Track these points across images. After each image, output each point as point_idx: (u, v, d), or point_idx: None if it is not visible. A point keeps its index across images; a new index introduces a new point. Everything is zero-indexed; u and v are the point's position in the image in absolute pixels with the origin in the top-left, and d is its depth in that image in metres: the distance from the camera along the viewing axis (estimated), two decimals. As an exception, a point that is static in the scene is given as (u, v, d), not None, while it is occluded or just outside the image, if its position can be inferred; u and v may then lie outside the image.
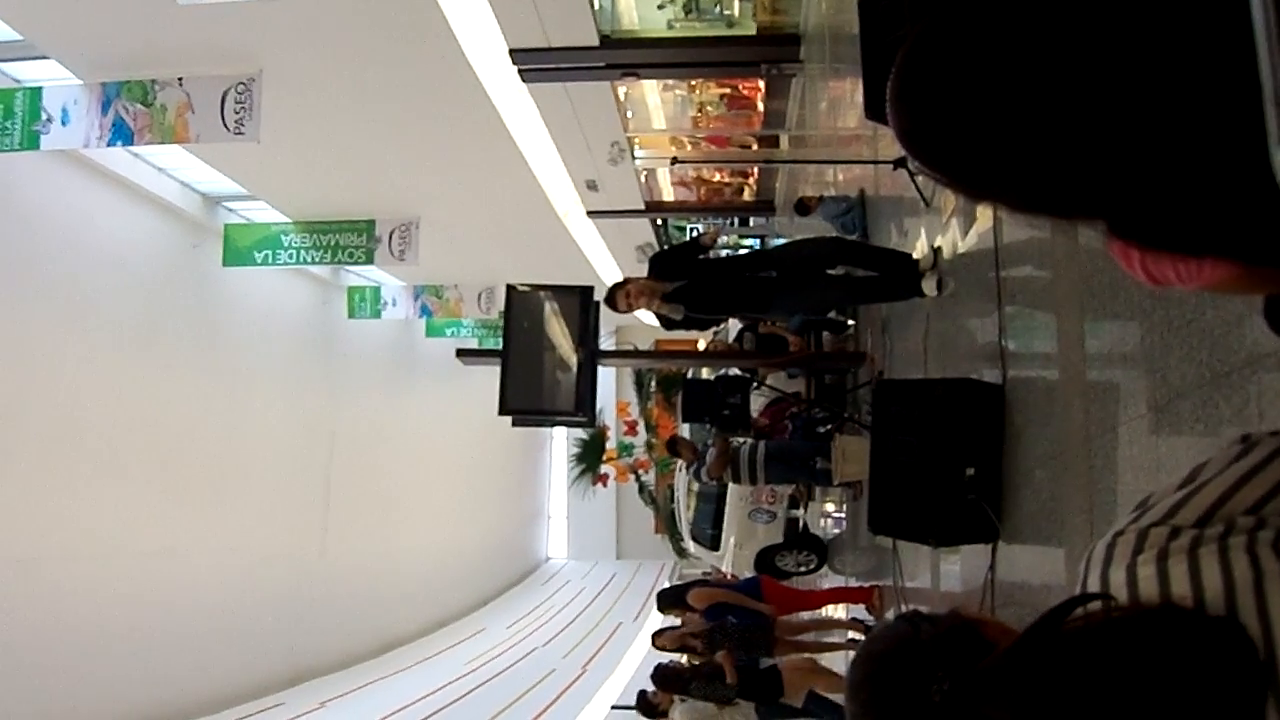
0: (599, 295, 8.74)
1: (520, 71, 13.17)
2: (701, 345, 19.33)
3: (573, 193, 18.24)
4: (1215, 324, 2.70)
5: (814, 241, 8.40)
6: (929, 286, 6.26)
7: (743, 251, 21.34)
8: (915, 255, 6.66)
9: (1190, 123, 0.83)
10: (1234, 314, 2.57)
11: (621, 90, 15.61)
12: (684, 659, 9.32)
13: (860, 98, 5.82)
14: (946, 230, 5.99)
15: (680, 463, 13.39)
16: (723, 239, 25.64)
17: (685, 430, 18.44)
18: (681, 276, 6.85)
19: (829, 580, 11.84)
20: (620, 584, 30.69)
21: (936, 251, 6.35)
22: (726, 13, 15.17)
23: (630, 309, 6.99)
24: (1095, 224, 0.96)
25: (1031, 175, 0.91)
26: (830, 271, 7.10)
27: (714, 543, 14.11)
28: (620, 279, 7.29)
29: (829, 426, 10.12)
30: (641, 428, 27.41)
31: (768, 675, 8.50)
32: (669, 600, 9.66)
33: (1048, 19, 0.86)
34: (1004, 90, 0.87)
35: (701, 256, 7.28)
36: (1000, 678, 1.00)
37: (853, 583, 9.57)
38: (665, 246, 22.39)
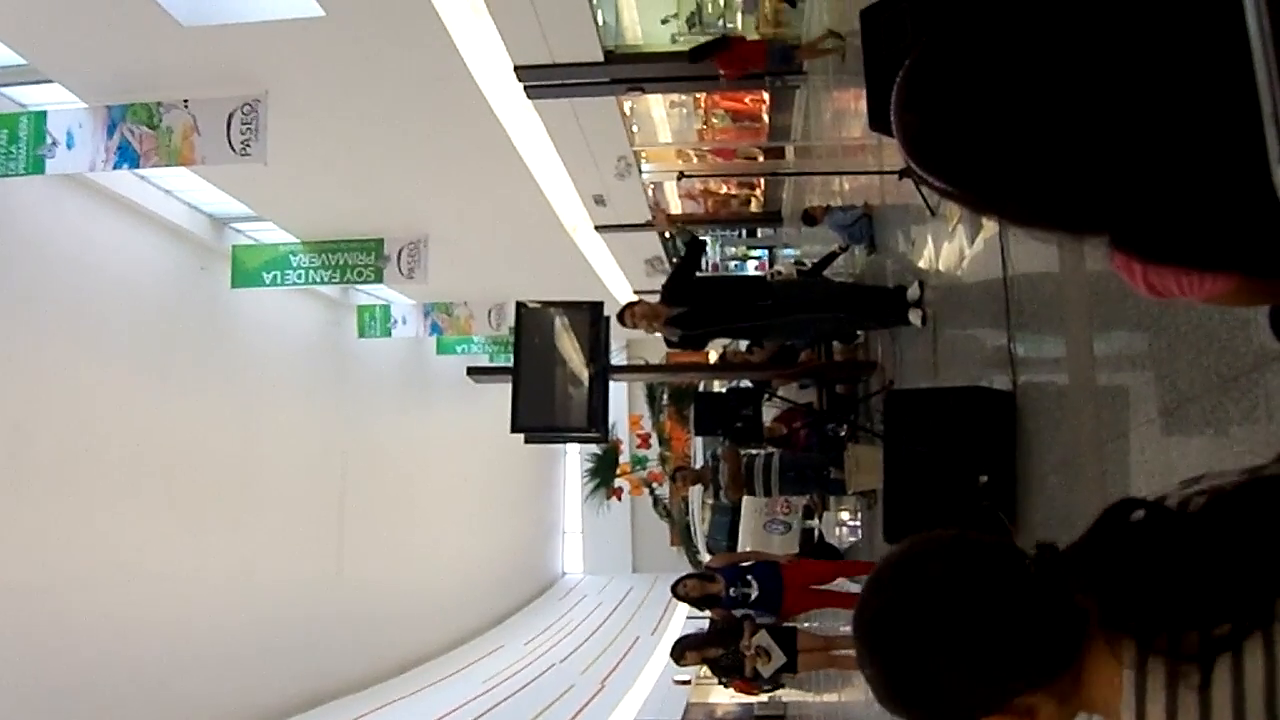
0: (609, 310, 8.79)
1: (525, 88, 13.19)
2: (713, 358, 19.31)
3: (580, 208, 18.26)
4: (1221, 328, 2.70)
5: (807, 285, 9.02)
6: (915, 317, 6.78)
7: (743, 273, 21.44)
8: (907, 290, 6.97)
9: (1192, 138, 0.83)
10: (1240, 318, 2.57)
11: (627, 105, 15.64)
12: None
13: (864, 107, 5.81)
14: (953, 237, 5.99)
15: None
16: (730, 250, 25.73)
17: (698, 443, 18.42)
18: (686, 301, 7.39)
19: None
20: (637, 597, 30.60)
21: (922, 285, 6.75)
22: (729, 26, 15.20)
23: (637, 327, 7.52)
24: (1098, 237, 0.96)
25: (1034, 188, 0.91)
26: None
27: (729, 555, 14.09)
28: (633, 298, 7.94)
29: (831, 441, 10.09)
30: (655, 441, 27.38)
31: (784, 634, 8.45)
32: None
33: (1052, 33, 0.86)
34: (1007, 103, 0.87)
35: (699, 273, 7.96)
36: (1084, 553, 1.06)
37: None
38: (674, 261, 22.49)
